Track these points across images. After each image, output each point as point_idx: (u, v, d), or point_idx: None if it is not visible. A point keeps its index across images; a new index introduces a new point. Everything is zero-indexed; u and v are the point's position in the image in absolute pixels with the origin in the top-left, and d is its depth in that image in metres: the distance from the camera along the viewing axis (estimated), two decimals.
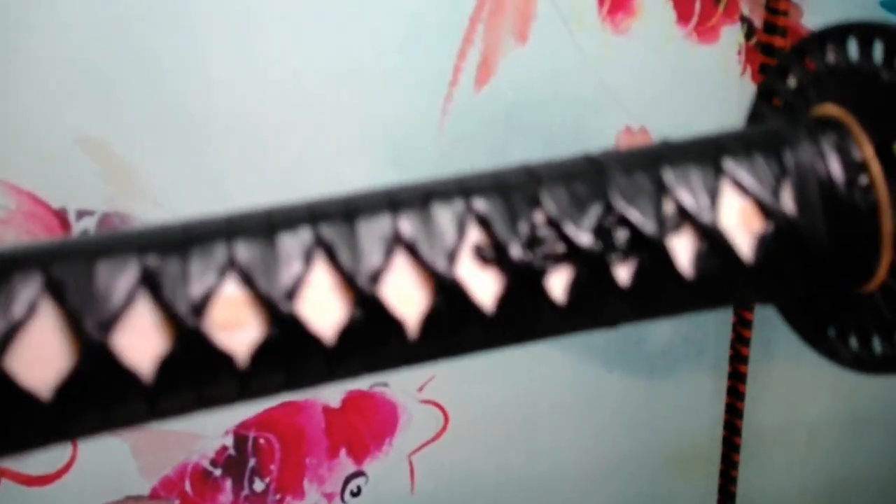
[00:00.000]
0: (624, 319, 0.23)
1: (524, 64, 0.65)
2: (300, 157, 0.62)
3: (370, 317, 0.20)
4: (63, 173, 0.57)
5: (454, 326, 0.21)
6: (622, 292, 0.22)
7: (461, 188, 0.22)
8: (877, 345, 0.25)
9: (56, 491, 0.62)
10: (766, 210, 0.23)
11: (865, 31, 0.24)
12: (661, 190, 0.22)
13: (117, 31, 0.56)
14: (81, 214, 0.58)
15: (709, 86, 0.70)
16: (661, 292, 0.22)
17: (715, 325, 0.80)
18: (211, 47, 0.58)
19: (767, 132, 0.24)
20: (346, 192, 0.22)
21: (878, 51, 0.24)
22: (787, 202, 0.23)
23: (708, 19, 0.69)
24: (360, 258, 0.20)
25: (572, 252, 0.21)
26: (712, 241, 0.22)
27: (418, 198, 0.21)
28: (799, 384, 0.85)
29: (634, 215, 0.22)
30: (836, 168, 0.23)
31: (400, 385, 0.70)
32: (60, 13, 0.55)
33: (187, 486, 0.65)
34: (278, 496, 0.68)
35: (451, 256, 0.21)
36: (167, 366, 0.19)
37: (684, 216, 0.22)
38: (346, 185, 0.22)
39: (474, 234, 0.21)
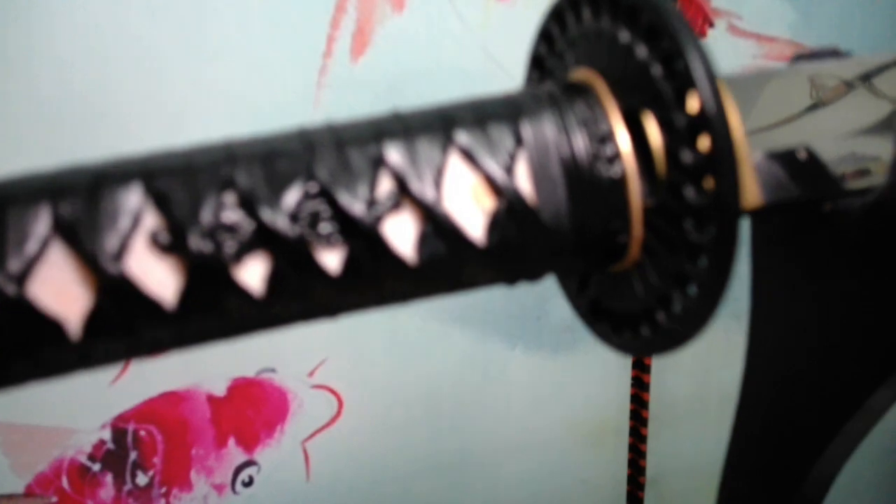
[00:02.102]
0: (341, 310, 0.20)
1: (403, 33, 0.63)
2: (164, 142, 0.59)
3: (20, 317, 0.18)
4: None
5: (126, 325, 0.19)
6: (332, 280, 0.19)
7: (142, 169, 0.19)
8: (644, 328, 0.23)
9: None
10: (498, 187, 0.20)
11: None
12: (377, 166, 0.20)
13: None
14: None
15: None
16: (381, 279, 0.20)
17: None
18: (61, 27, 0.55)
19: (507, 101, 0.22)
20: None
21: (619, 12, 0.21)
22: (522, 178, 0.21)
23: None
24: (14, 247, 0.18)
25: (267, 238, 0.19)
26: (437, 223, 0.20)
27: (85, 182, 0.19)
28: (709, 350, 0.83)
29: (343, 196, 0.19)
30: (580, 139, 0.21)
31: (289, 370, 0.67)
32: None
33: (64, 483, 0.63)
34: (164, 489, 0.66)
35: (122, 245, 0.18)
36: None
37: (404, 195, 0.20)
38: None
39: (150, 219, 0.19)
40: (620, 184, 0.21)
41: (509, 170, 0.20)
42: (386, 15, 0.62)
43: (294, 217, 0.19)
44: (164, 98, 0.59)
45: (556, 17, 0.24)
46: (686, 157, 0.20)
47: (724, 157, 0.19)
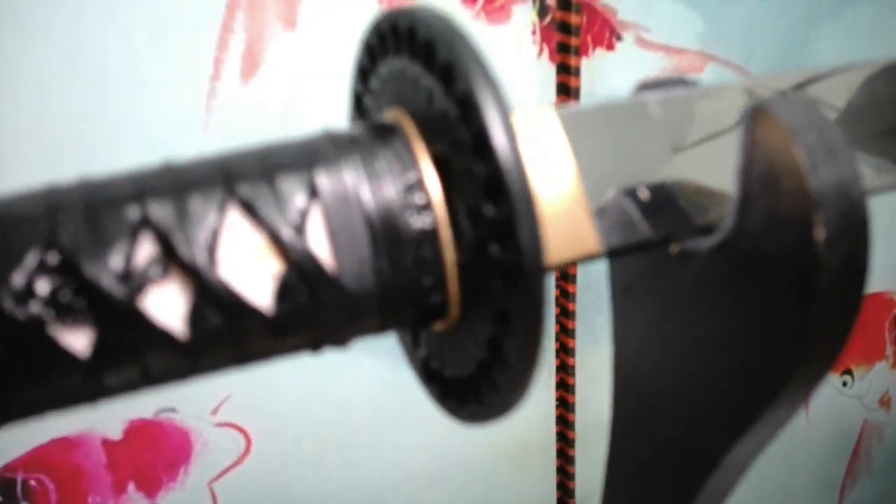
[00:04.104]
0: (99, 395, 0.18)
1: (297, 52, 0.60)
2: (45, 169, 0.55)
3: None
4: None
5: None
6: (83, 364, 0.17)
7: None
8: (469, 395, 0.21)
9: None
10: (285, 247, 0.18)
11: (413, 21, 0.19)
12: (137, 229, 0.17)
13: None
14: None
15: (504, 69, 0.66)
16: (144, 359, 0.17)
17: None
18: None
19: (301, 148, 0.19)
20: None
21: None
22: (316, 235, 0.18)
23: None
24: None
25: None
26: (211, 292, 0.17)
27: None
28: None
29: (88, 267, 0.17)
30: (385, 187, 0.19)
31: (190, 409, 0.64)
32: None
33: None
34: None
35: None
36: None
37: (171, 262, 0.17)
38: None
39: None
40: (431, 235, 0.19)
41: (299, 227, 0.18)
42: (277, 33, 0.59)
43: (24, 295, 0.16)
44: (44, 128, 0.55)
45: (367, 51, 0.22)
46: (488, 210, 0.17)
47: (520, 216, 0.17)
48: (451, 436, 0.77)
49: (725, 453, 0.22)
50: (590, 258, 0.21)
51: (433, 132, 0.19)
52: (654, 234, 0.22)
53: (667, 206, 0.22)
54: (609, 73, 0.71)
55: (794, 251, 0.19)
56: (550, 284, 0.74)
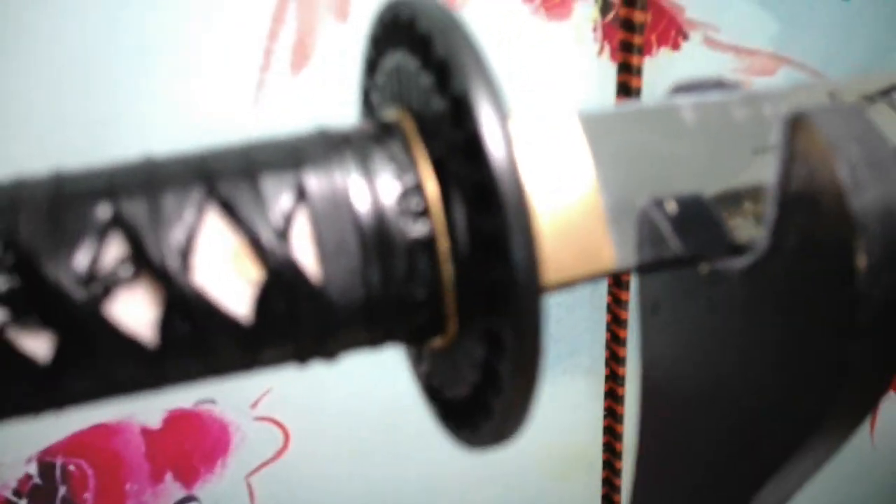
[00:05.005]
0: (61, 403, 0.17)
1: (347, 43, 0.59)
2: (87, 154, 0.55)
3: None
4: None
5: None
6: (42, 370, 0.16)
7: None
8: (466, 419, 0.19)
9: None
10: (265, 253, 0.16)
11: (414, 12, 0.18)
12: (105, 229, 0.16)
13: None
14: None
15: (562, 67, 0.64)
16: (108, 367, 0.16)
17: (587, 323, 0.74)
18: None
19: (290, 146, 0.18)
20: None
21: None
22: (301, 240, 0.17)
23: None
24: None
25: None
26: (182, 298, 0.16)
27: None
28: None
29: (47, 267, 0.15)
30: (379, 191, 0.17)
31: (229, 402, 0.64)
32: None
33: None
34: None
35: None
36: None
37: (140, 264, 0.16)
38: None
39: None
40: (428, 245, 0.17)
41: (282, 232, 0.17)
42: (328, 24, 0.58)
43: None
44: (86, 112, 0.55)
45: (374, 43, 0.20)
46: (480, 221, 0.16)
47: (512, 229, 0.15)
48: None
49: (755, 494, 0.20)
50: (604, 275, 0.19)
51: (432, 134, 0.17)
52: (683, 250, 0.20)
53: (699, 220, 0.20)
54: (673, 74, 0.68)
55: (832, 279, 0.16)
56: (603, 288, 0.72)
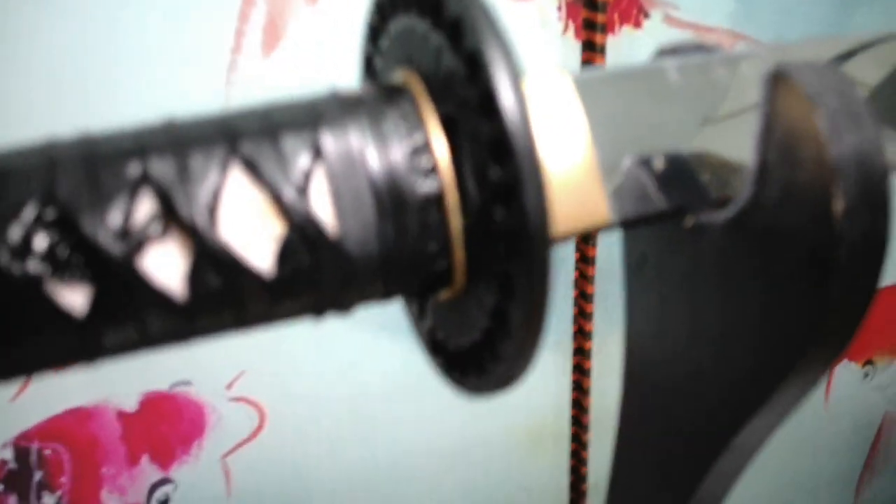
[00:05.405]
0: (95, 355, 0.17)
1: (318, 25, 0.60)
2: None
3: None
4: None
5: None
6: (79, 322, 0.16)
7: None
8: (472, 367, 0.20)
9: None
10: (287, 208, 0.17)
11: None
12: (137, 186, 0.17)
13: None
14: None
15: (527, 45, 0.65)
16: (141, 319, 0.17)
17: (554, 298, 0.75)
18: None
19: (307, 107, 0.19)
20: None
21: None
22: (319, 196, 0.18)
23: None
24: None
25: None
26: (211, 252, 0.17)
27: None
28: None
29: (86, 222, 0.16)
30: (391, 149, 0.18)
31: (205, 383, 0.64)
32: None
33: None
34: None
35: None
36: None
37: (170, 220, 0.17)
38: None
39: None
40: (437, 200, 0.18)
41: (302, 188, 0.18)
42: (299, 6, 0.59)
43: (20, 250, 0.16)
44: (58, 98, 0.55)
45: (378, 10, 0.21)
46: (493, 173, 0.17)
47: (526, 177, 0.16)
48: (468, 418, 0.76)
49: (735, 434, 0.22)
50: (600, 228, 0.20)
51: (441, 92, 0.18)
52: (669, 205, 0.21)
53: (683, 177, 0.21)
54: (635, 51, 0.69)
55: (811, 223, 0.18)
56: (570, 264, 0.74)
